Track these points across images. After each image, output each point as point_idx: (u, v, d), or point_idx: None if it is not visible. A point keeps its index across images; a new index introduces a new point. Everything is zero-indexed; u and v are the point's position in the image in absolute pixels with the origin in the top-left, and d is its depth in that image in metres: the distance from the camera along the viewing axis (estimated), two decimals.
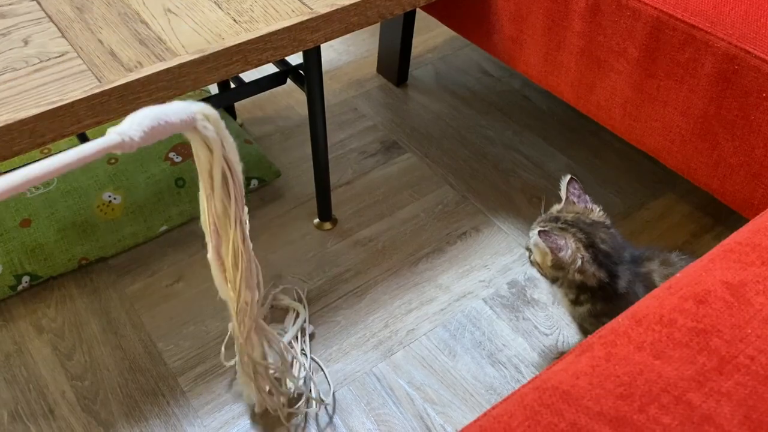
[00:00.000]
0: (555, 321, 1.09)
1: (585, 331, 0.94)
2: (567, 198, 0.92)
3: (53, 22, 0.87)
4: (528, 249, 0.91)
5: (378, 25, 1.60)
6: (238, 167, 0.68)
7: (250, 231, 0.75)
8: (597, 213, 0.91)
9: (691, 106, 0.89)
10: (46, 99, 0.75)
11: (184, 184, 1.21)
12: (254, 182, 1.27)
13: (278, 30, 0.86)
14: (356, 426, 0.96)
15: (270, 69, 1.10)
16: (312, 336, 1.07)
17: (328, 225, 1.23)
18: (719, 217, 1.24)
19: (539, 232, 0.85)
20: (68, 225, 1.14)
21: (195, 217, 1.23)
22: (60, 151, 0.92)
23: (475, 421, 0.50)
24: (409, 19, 1.44)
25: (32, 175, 0.47)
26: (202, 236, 1.21)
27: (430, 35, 1.69)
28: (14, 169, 0.89)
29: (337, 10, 0.89)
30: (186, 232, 1.23)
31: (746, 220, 0.76)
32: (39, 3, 0.90)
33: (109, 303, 1.12)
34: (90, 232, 1.15)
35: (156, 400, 1.00)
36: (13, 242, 1.11)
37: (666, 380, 0.49)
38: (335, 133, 1.42)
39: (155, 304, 1.11)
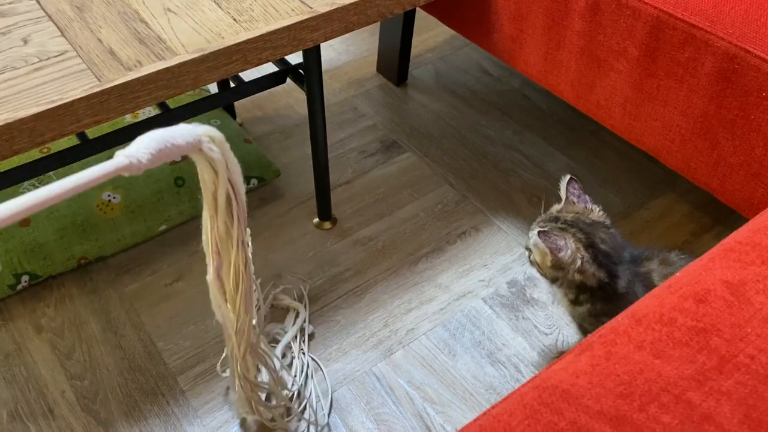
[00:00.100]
0: (555, 320, 1.09)
1: (584, 330, 0.94)
2: (567, 198, 0.92)
3: (53, 21, 0.86)
4: (528, 249, 0.91)
5: (378, 24, 1.60)
6: (242, 189, 0.69)
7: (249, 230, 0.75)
8: (597, 213, 0.91)
9: (691, 106, 0.89)
10: (46, 98, 0.75)
11: (184, 183, 1.21)
12: (254, 181, 1.27)
13: (278, 29, 0.86)
14: (356, 425, 0.96)
15: (270, 68, 1.10)
16: (311, 336, 1.07)
17: (327, 224, 1.23)
18: (719, 217, 1.24)
19: (539, 232, 0.84)
20: (68, 224, 1.14)
21: (194, 217, 1.23)
22: (59, 151, 0.92)
23: (474, 421, 0.50)
24: (408, 18, 1.44)
25: (43, 197, 0.48)
26: (202, 235, 1.22)
27: (430, 35, 1.69)
28: (14, 168, 0.90)
29: (336, 9, 0.89)
30: (185, 231, 1.23)
31: (746, 220, 0.76)
32: (38, 2, 0.90)
33: (108, 302, 1.11)
34: (89, 231, 1.14)
35: (155, 399, 0.99)
36: (12, 241, 1.11)
37: (666, 379, 0.49)
38: (335, 133, 1.42)
39: (155, 303, 1.11)
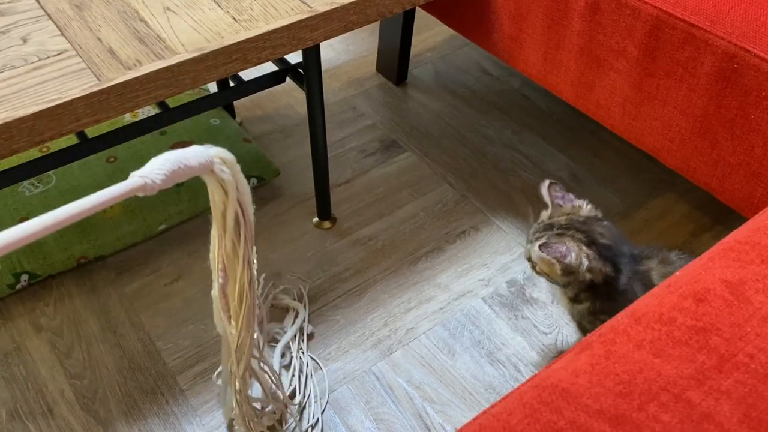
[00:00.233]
0: (554, 320, 1.09)
1: (583, 329, 0.94)
2: (552, 203, 0.92)
3: (52, 20, 0.86)
4: (530, 261, 0.91)
5: (377, 23, 1.60)
6: (251, 209, 0.71)
7: None
8: (586, 208, 0.91)
9: (691, 105, 0.89)
10: (45, 97, 0.75)
11: (183, 183, 1.21)
12: (253, 181, 1.27)
13: (277, 28, 0.86)
14: (355, 425, 0.96)
15: (269, 67, 1.10)
16: (311, 335, 1.07)
17: (327, 224, 1.23)
18: (718, 217, 1.24)
19: (539, 245, 0.84)
20: None
21: (194, 216, 1.23)
22: (59, 150, 0.92)
23: (474, 420, 0.50)
24: (408, 17, 1.44)
25: (59, 218, 0.49)
26: (201, 235, 1.22)
27: (430, 34, 1.69)
28: (13, 167, 0.89)
29: (336, 8, 0.89)
30: (185, 230, 1.22)
31: (745, 220, 0.76)
32: (38, 1, 0.89)
33: (107, 301, 1.11)
34: (89, 230, 1.14)
35: (155, 398, 0.99)
36: None
37: (665, 378, 0.49)
38: (334, 132, 1.42)
39: (154, 302, 1.11)
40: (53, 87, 0.77)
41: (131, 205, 1.17)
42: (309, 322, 1.08)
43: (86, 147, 0.94)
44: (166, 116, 0.99)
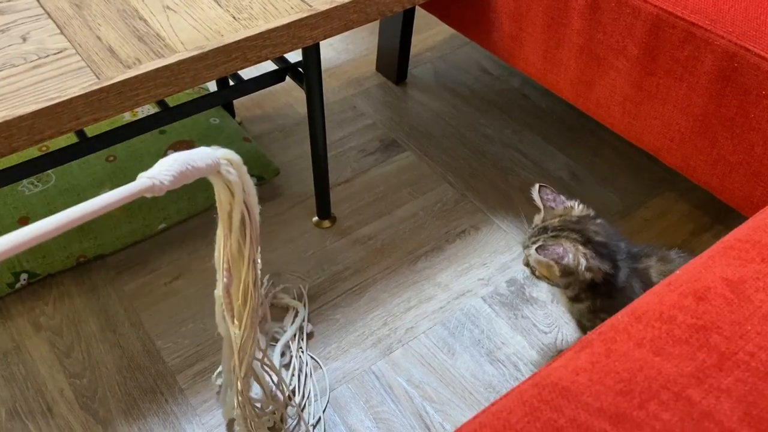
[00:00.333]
0: (554, 319, 1.08)
1: (583, 327, 0.94)
2: (545, 206, 0.92)
3: (52, 19, 0.86)
4: (528, 266, 0.91)
5: (377, 23, 1.60)
6: (257, 210, 0.72)
7: None
8: (578, 208, 0.91)
9: (691, 104, 0.89)
10: (45, 95, 0.75)
11: None
12: (253, 180, 1.27)
13: (277, 27, 0.86)
14: (355, 424, 0.96)
15: (269, 66, 1.09)
16: (311, 334, 1.07)
17: (327, 223, 1.23)
18: (718, 216, 1.24)
19: (536, 248, 0.85)
20: None
21: (194, 215, 1.23)
22: (58, 149, 0.92)
23: (474, 418, 0.50)
24: (408, 17, 1.44)
25: (69, 218, 0.50)
26: (201, 234, 1.22)
27: (430, 33, 1.68)
28: (13, 166, 0.89)
29: (336, 7, 0.89)
30: (184, 229, 1.22)
31: (745, 219, 0.76)
32: (38, 0, 0.90)
33: (107, 301, 1.11)
34: (88, 229, 1.14)
35: (154, 398, 0.99)
36: None
37: (666, 377, 0.49)
38: (334, 132, 1.42)
39: (154, 302, 1.11)
40: (53, 85, 0.77)
41: (131, 204, 1.17)
42: (309, 321, 1.08)
43: (86, 146, 0.94)
44: (166, 115, 0.99)
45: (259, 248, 0.76)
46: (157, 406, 0.98)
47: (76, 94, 0.76)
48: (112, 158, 1.24)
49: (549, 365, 0.53)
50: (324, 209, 1.22)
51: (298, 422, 0.96)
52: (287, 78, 1.08)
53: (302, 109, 1.48)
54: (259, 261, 0.77)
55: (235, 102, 1.47)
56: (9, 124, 0.73)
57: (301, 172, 1.33)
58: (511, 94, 1.51)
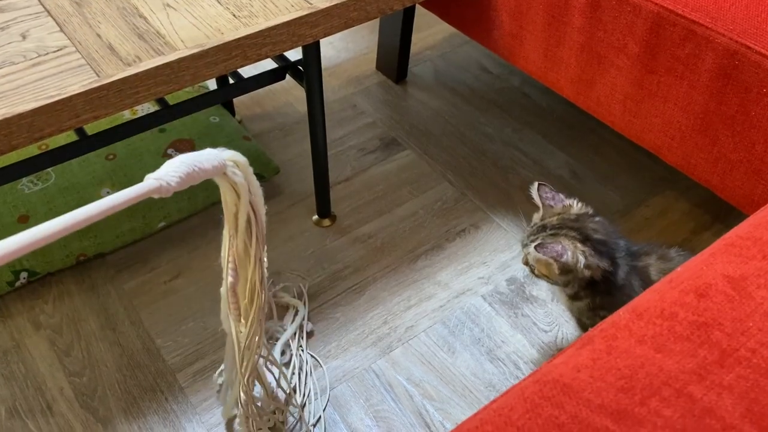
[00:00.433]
0: (554, 318, 1.08)
1: (583, 325, 0.94)
2: (543, 204, 0.92)
3: (51, 17, 0.86)
4: (527, 264, 0.91)
5: (377, 21, 1.60)
6: (263, 210, 0.73)
7: None
8: (577, 206, 0.91)
9: (692, 102, 0.89)
10: (45, 93, 0.75)
11: None
12: None
13: (277, 25, 0.85)
14: (355, 422, 0.96)
15: (269, 65, 1.09)
16: (311, 333, 1.07)
17: (327, 222, 1.23)
18: (718, 215, 1.24)
19: (535, 246, 0.85)
20: None
21: (194, 214, 1.23)
22: (58, 147, 0.92)
23: (475, 415, 0.49)
24: (408, 15, 1.44)
25: (77, 219, 0.50)
26: (201, 232, 1.22)
27: (430, 32, 1.68)
28: (12, 164, 0.89)
29: (336, 5, 0.89)
30: (184, 228, 1.22)
31: (746, 217, 0.76)
32: None
33: (107, 299, 1.11)
34: (88, 228, 1.14)
35: (154, 396, 0.99)
36: None
37: (667, 373, 0.48)
38: (334, 130, 1.42)
39: (153, 300, 1.11)
40: (52, 83, 0.76)
41: None
42: (309, 319, 1.08)
43: (85, 144, 0.94)
44: (166, 113, 0.98)
45: (266, 247, 0.76)
46: (156, 404, 0.98)
47: (76, 92, 0.76)
48: (111, 156, 1.24)
49: (550, 362, 0.52)
50: (324, 208, 1.22)
51: (299, 421, 0.96)
52: (287, 76, 1.08)
53: (302, 107, 1.48)
54: (266, 260, 0.77)
55: (235, 100, 1.47)
56: (9, 121, 0.73)
57: (301, 170, 1.33)
58: (511, 92, 1.51)
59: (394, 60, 1.50)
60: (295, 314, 1.08)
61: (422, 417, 0.97)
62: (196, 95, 1.01)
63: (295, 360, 1.02)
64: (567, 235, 0.87)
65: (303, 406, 0.97)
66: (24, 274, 1.10)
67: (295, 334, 1.05)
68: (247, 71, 1.11)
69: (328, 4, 0.88)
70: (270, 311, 1.08)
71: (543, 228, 0.89)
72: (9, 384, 1.00)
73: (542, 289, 1.12)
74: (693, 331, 0.51)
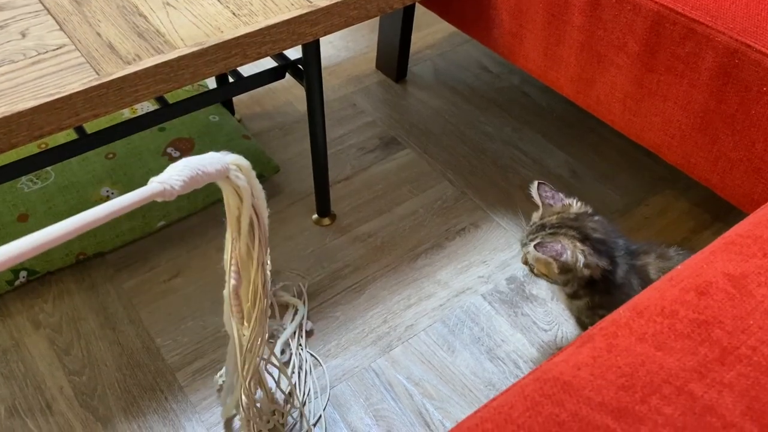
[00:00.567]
0: (554, 317, 1.08)
1: (583, 324, 0.94)
2: (543, 203, 0.92)
3: (51, 15, 0.86)
4: (527, 263, 0.91)
5: (377, 20, 1.60)
6: (265, 214, 0.73)
7: None
8: (576, 206, 0.91)
9: (692, 101, 0.89)
10: (44, 91, 0.75)
11: None
12: None
13: (277, 23, 0.85)
14: (354, 421, 0.96)
15: (269, 64, 1.09)
16: (310, 332, 1.07)
17: (326, 221, 1.23)
18: (718, 214, 1.24)
19: (535, 245, 0.85)
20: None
21: (193, 213, 1.23)
22: (57, 145, 0.92)
23: (475, 413, 0.49)
24: (408, 14, 1.44)
25: (81, 223, 0.51)
26: (200, 232, 1.22)
27: (430, 31, 1.68)
28: (12, 162, 0.89)
29: (336, 3, 0.89)
30: (184, 227, 1.22)
31: (746, 216, 0.76)
32: None
33: (106, 298, 1.11)
34: None
35: (154, 395, 0.99)
36: (10, 237, 1.10)
37: (668, 371, 0.48)
38: (334, 129, 1.42)
39: (153, 299, 1.11)
40: (52, 81, 0.76)
41: None
42: (308, 318, 1.08)
43: (85, 143, 0.94)
44: (165, 112, 0.98)
45: (269, 250, 0.76)
46: (156, 403, 0.98)
47: (76, 90, 0.75)
48: (111, 155, 1.23)
49: (550, 360, 0.52)
50: (324, 207, 1.22)
51: (299, 421, 0.96)
52: (287, 75, 1.08)
53: (302, 106, 1.48)
54: (269, 263, 0.77)
55: (235, 99, 1.47)
56: (8, 119, 0.73)
57: (300, 169, 1.33)
58: (511, 91, 1.51)
59: (394, 59, 1.50)
60: (295, 313, 1.08)
61: (422, 416, 0.97)
62: (196, 94, 1.01)
63: (294, 359, 1.02)
64: (566, 234, 0.87)
65: (303, 404, 0.97)
66: (23, 273, 1.10)
67: (294, 333, 1.05)
68: (247, 70, 1.11)
69: (328, 3, 0.88)
70: (272, 311, 1.08)
71: (542, 227, 0.89)
72: (8, 383, 1.00)
73: (542, 288, 1.12)
74: (693, 329, 0.51)
